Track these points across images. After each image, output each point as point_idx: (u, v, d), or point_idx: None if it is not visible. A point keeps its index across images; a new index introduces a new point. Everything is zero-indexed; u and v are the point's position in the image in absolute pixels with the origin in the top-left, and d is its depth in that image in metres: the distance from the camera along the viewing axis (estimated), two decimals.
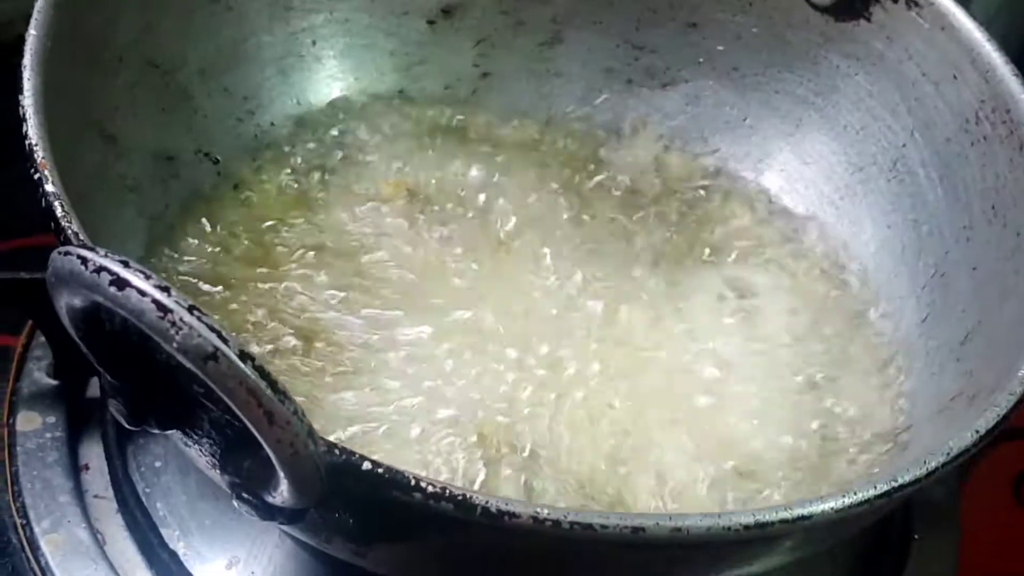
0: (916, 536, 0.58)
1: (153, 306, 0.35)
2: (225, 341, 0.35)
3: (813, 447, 0.55)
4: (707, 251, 0.63)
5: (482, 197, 0.63)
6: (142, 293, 0.35)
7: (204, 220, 0.59)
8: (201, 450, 0.43)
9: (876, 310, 0.61)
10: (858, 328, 0.60)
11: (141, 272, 0.35)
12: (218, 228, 0.59)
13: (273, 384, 0.36)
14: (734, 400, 0.56)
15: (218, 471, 0.42)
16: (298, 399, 0.37)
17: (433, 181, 0.63)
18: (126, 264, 0.36)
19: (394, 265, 0.59)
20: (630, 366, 0.57)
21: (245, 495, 0.40)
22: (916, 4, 0.59)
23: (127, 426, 0.42)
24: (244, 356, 0.35)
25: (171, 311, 0.35)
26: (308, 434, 0.37)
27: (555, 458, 0.53)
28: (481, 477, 0.52)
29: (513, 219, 0.62)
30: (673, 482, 0.52)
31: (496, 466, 0.52)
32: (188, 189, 0.59)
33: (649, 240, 0.63)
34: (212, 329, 0.35)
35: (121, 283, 0.35)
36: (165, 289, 0.35)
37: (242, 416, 0.36)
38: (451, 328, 0.57)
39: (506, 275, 0.60)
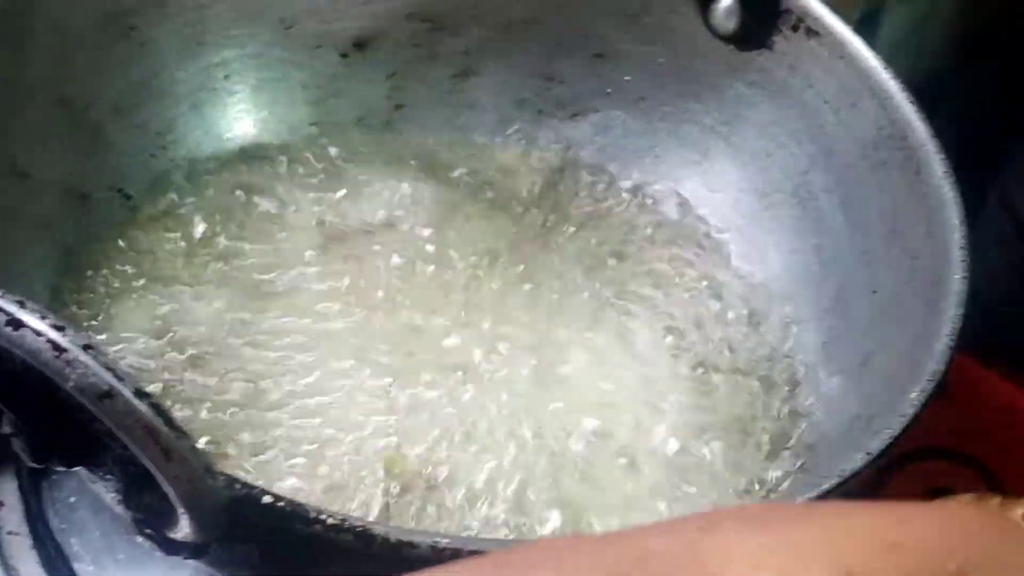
0: None
1: (48, 345, 0.35)
2: (120, 379, 0.35)
3: (719, 470, 0.55)
4: (613, 273, 0.64)
5: (394, 226, 0.63)
6: (37, 333, 0.35)
7: (115, 255, 0.59)
8: (106, 487, 0.43)
9: (779, 334, 0.62)
10: (761, 351, 0.61)
11: (37, 312, 0.36)
12: (128, 263, 0.59)
13: (169, 421, 0.36)
14: (638, 423, 0.57)
15: (122, 507, 0.42)
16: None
17: (347, 211, 0.64)
18: (22, 304, 0.36)
19: (304, 296, 0.59)
20: (534, 392, 0.58)
21: (148, 531, 0.41)
22: (816, 33, 0.60)
23: (31, 464, 0.42)
24: (140, 394, 0.36)
25: (66, 350, 0.35)
26: (206, 470, 0.37)
27: (466, 486, 0.53)
28: (389, 508, 0.52)
29: (422, 246, 0.63)
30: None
31: (406, 496, 0.53)
32: (101, 225, 0.59)
33: (554, 263, 0.64)
34: (107, 368, 0.35)
35: (16, 323, 0.36)
36: (61, 328, 0.35)
37: (139, 454, 0.36)
38: (361, 356, 0.57)
39: (411, 304, 0.60)
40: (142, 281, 0.58)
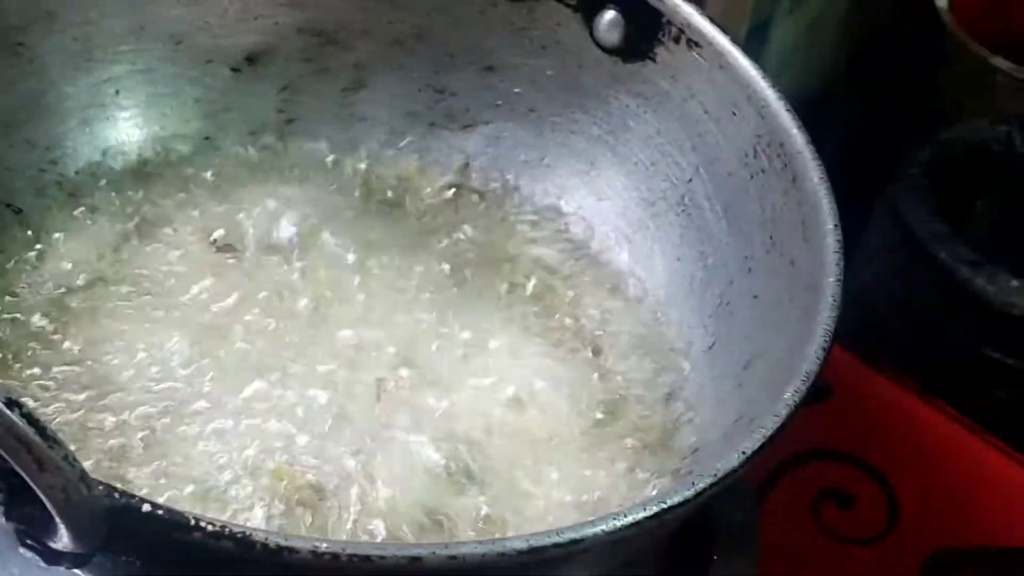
0: (715, 557, 0.60)
1: None
2: None
3: (605, 477, 0.56)
4: (504, 285, 0.64)
5: (288, 240, 0.64)
6: None
7: (6, 274, 0.59)
8: None
9: (666, 339, 0.63)
10: (649, 357, 0.62)
11: None
12: (22, 277, 0.59)
13: (42, 431, 0.37)
14: (530, 431, 0.57)
15: (4, 518, 0.42)
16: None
17: (240, 225, 0.64)
18: None
19: (195, 309, 0.60)
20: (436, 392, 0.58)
21: (30, 541, 0.41)
22: (696, 44, 0.61)
23: None
24: (11, 404, 0.36)
25: None
26: (80, 479, 0.38)
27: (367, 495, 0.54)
28: (282, 519, 0.53)
29: (313, 258, 0.63)
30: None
31: (300, 508, 0.53)
32: None
33: (444, 272, 0.64)
34: None
35: None
36: None
37: (12, 464, 0.37)
38: (261, 369, 0.57)
39: (311, 318, 0.61)
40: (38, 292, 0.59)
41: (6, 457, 0.37)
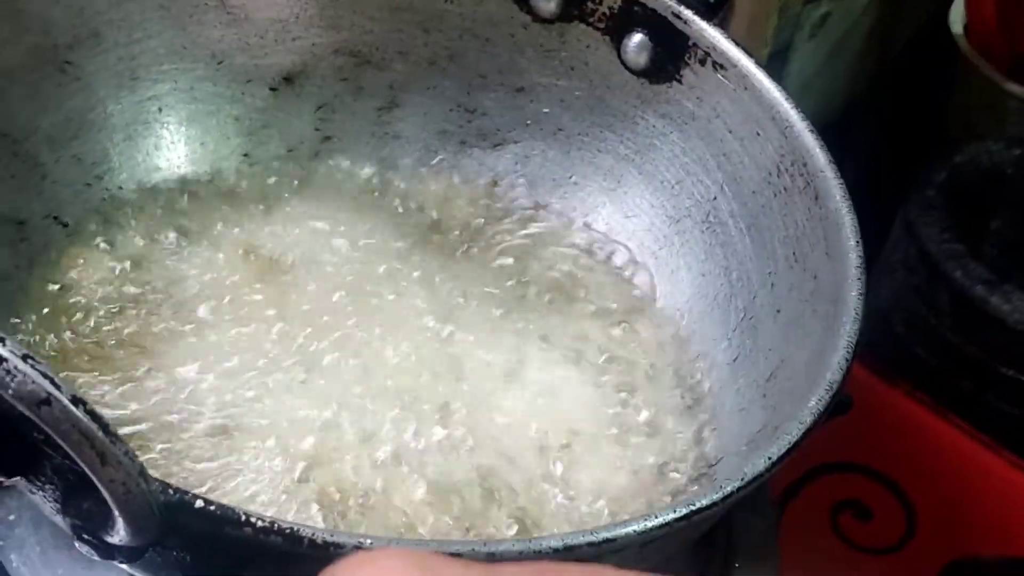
0: (737, 565, 0.62)
1: None
2: (58, 387, 0.37)
3: (633, 485, 0.58)
4: (535, 296, 0.66)
5: (325, 254, 0.66)
6: None
7: (51, 282, 0.61)
8: (45, 496, 0.45)
9: (690, 353, 0.65)
10: (674, 370, 0.64)
11: None
12: (67, 288, 0.61)
13: (105, 427, 0.38)
14: (560, 441, 0.59)
15: (60, 515, 0.44)
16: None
17: (280, 241, 0.66)
18: None
19: (233, 322, 0.61)
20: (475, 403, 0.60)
21: (86, 536, 0.43)
22: (721, 67, 0.63)
23: None
24: (76, 401, 0.38)
25: (5, 360, 0.37)
26: (140, 473, 0.40)
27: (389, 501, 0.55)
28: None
29: (352, 274, 0.65)
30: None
31: (335, 511, 0.55)
32: (39, 251, 0.61)
33: (482, 285, 0.66)
34: (45, 376, 0.37)
35: None
36: (0, 340, 0.38)
37: (76, 458, 0.38)
38: (292, 377, 0.59)
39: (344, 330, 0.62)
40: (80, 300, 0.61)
41: (69, 451, 0.38)
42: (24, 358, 0.37)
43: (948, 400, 0.74)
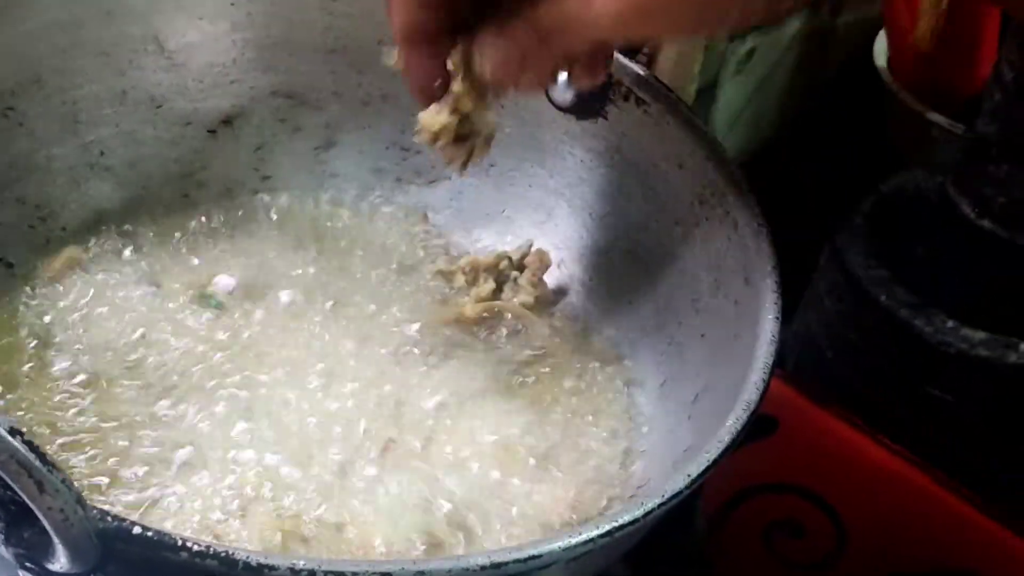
0: None
1: None
2: None
3: (566, 508, 0.60)
4: (473, 328, 0.68)
5: (269, 290, 0.67)
6: None
7: None
8: None
9: (621, 378, 0.66)
10: (604, 395, 0.66)
11: None
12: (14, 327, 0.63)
13: (42, 456, 0.40)
14: (499, 467, 0.61)
15: (3, 545, 0.45)
16: None
17: (220, 279, 0.67)
18: None
19: (181, 358, 0.63)
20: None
21: (28, 564, 0.44)
22: (644, 102, 0.65)
23: None
24: (14, 432, 0.39)
25: None
26: (77, 501, 0.41)
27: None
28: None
29: (291, 303, 0.67)
30: None
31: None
32: None
33: (413, 321, 0.67)
34: None
35: None
36: None
37: (15, 487, 0.40)
38: (243, 411, 0.61)
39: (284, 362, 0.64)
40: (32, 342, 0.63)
41: (8, 481, 0.40)
42: None
43: (877, 421, 0.76)
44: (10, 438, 0.39)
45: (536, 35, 0.50)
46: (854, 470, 0.74)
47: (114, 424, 0.59)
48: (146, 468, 0.57)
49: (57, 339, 0.63)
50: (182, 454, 0.58)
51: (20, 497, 0.41)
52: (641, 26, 0.49)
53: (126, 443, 0.58)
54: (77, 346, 0.62)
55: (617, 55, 0.65)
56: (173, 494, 0.57)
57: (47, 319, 0.63)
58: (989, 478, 0.73)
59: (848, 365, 0.80)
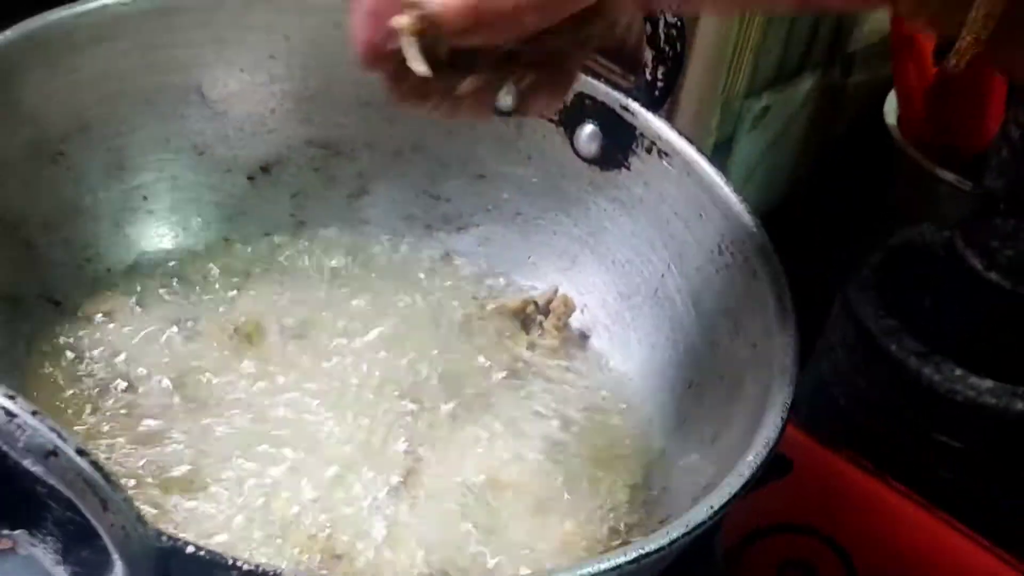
0: None
1: (0, 411, 0.41)
2: (64, 439, 0.41)
3: (589, 541, 0.62)
4: (496, 370, 0.70)
5: (305, 330, 0.70)
6: None
7: (46, 360, 0.65)
8: (45, 548, 0.48)
9: (642, 417, 0.69)
10: (626, 434, 0.68)
11: None
12: (60, 366, 0.65)
13: (107, 476, 0.42)
14: (522, 502, 0.63)
15: (61, 565, 0.47)
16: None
17: (260, 318, 0.69)
18: None
19: (220, 395, 0.65)
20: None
21: None
22: (666, 155, 0.68)
23: None
24: (81, 452, 0.42)
25: (16, 415, 0.41)
26: (137, 519, 0.44)
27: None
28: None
29: (328, 342, 0.69)
30: None
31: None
32: (33, 328, 0.65)
33: (445, 361, 0.70)
34: (52, 429, 0.41)
35: None
36: (12, 397, 0.41)
37: (79, 505, 0.42)
38: (284, 447, 0.63)
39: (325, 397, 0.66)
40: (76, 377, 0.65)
41: (73, 498, 0.42)
42: (33, 413, 0.41)
43: (888, 465, 0.78)
44: (78, 458, 0.42)
45: None
46: (865, 512, 0.75)
47: (155, 452, 0.61)
48: (188, 495, 0.60)
49: (99, 376, 0.65)
50: (223, 481, 0.60)
51: (79, 517, 0.43)
52: None
53: (167, 473, 0.61)
54: (118, 382, 0.65)
55: (640, 109, 0.68)
56: (215, 515, 0.59)
57: (91, 355, 0.66)
58: (997, 521, 0.75)
59: (860, 412, 0.82)
